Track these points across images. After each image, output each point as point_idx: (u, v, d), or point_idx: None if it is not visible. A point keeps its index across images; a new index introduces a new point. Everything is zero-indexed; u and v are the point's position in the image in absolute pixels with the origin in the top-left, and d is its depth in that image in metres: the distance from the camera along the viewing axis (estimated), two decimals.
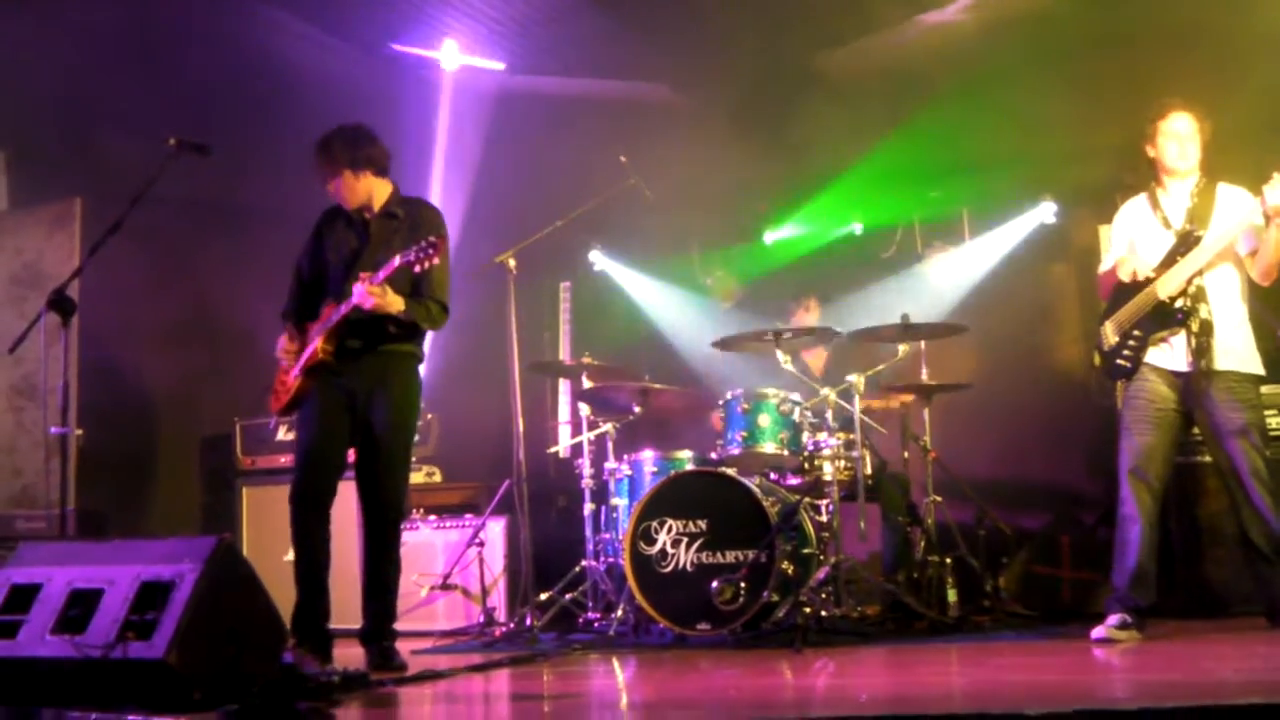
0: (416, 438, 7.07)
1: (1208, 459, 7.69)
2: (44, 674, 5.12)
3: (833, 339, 8.30)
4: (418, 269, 6.16)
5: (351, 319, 6.49)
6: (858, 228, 10.65)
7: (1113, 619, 6.38)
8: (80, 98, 9.11)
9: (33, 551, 5.72)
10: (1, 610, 5.36)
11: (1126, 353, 6.61)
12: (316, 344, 6.57)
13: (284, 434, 9.18)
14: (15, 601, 5.36)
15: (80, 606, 5.16)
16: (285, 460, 9.25)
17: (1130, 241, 6.74)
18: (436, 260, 6.13)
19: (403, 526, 6.85)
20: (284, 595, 6.03)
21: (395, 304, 6.39)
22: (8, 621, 5.31)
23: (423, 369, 6.89)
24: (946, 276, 10.33)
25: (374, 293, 6.26)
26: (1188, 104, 6.65)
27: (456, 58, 9.71)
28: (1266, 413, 7.44)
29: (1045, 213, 10.06)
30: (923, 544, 7.90)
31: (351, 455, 6.76)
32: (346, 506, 6.95)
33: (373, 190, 6.75)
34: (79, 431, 8.35)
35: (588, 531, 8.44)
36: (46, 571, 5.40)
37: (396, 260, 6.18)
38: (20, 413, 9.84)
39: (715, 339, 8.21)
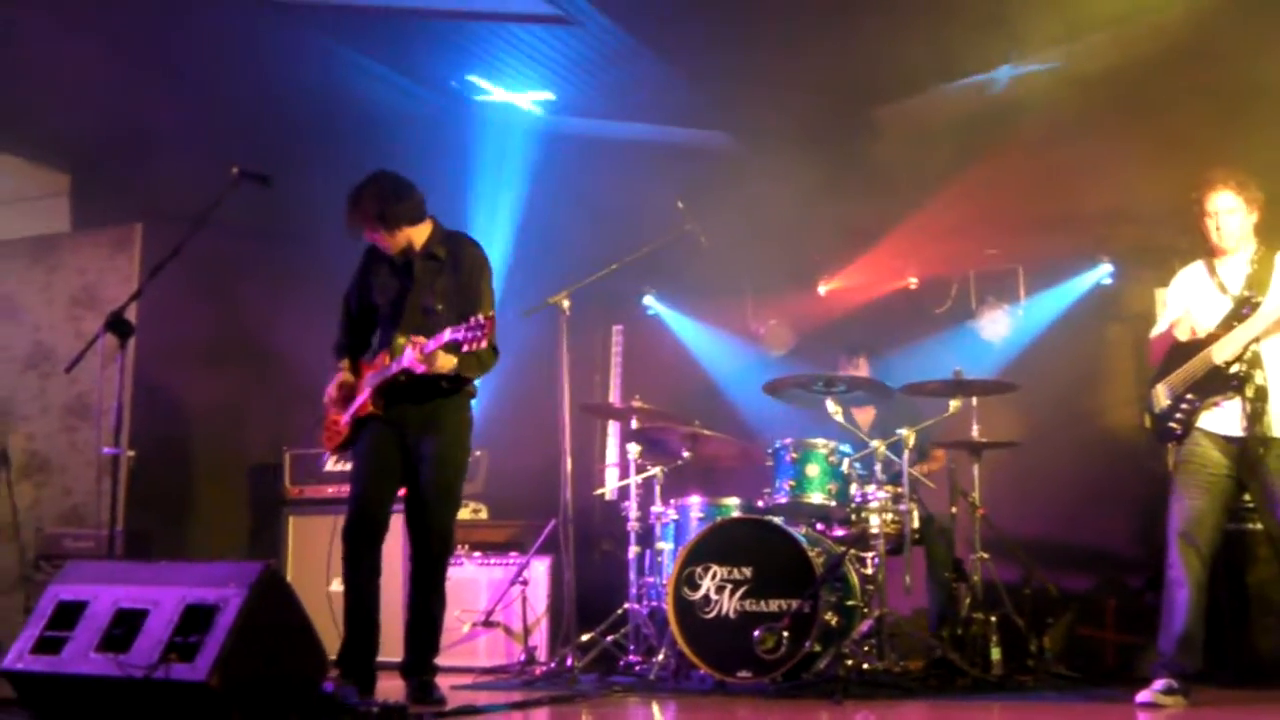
0: (465, 475, 7.09)
1: (1258, 526, 7.64)
2: (87, 691, 5.16)
3: (885, 394, 8.27)
4: (466, 348, 6.15)
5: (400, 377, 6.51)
6: (912, 281, 10.62)
7: (1158, 684, 6.31)
8: (142, 125, 9.18)
9: (80, 570, 5.77)
10: (48, 626, 5.41)
11: (1179, 416, 6.56)
12: (366, 397, 6.61)
13: (332, 465, 9.21)
14: (61, 618, 5.41)
15: (125, 626, 5.20)
16: (332, 491, 9.30)
17: (1186, 307, 6.69)
18: (484, 344, 6.12)
19: (449, 562, 6.84)
20: (325, 624, 6.05)
21: (445, 366, 6.40)
22: (53, 638, 5.36)
23: (474, 404, 6.90)
24: (999, 334, 10.29)
25: (422, 360, 6.27)
26: (1232, 177, 6.59)
27: (513, 96, 9.76)
28: None
29: (1101, 273, 10.02)
30: (968, 601, 7.84)
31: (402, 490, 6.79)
32: (393, 539, 6.96)
33: (411, 236, 6.76)
34: (131, 453, 8.41)
35: (631, 574, 8.40)
36: (93, 590, 5.44)
37: (446, 335, 6.16)
38: (73, 432, 9.92)
39: (766, 383, 8.20)
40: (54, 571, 7.76)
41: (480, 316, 6.08)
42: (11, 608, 9.16)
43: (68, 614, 5.41)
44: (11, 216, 11.07)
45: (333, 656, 6.21)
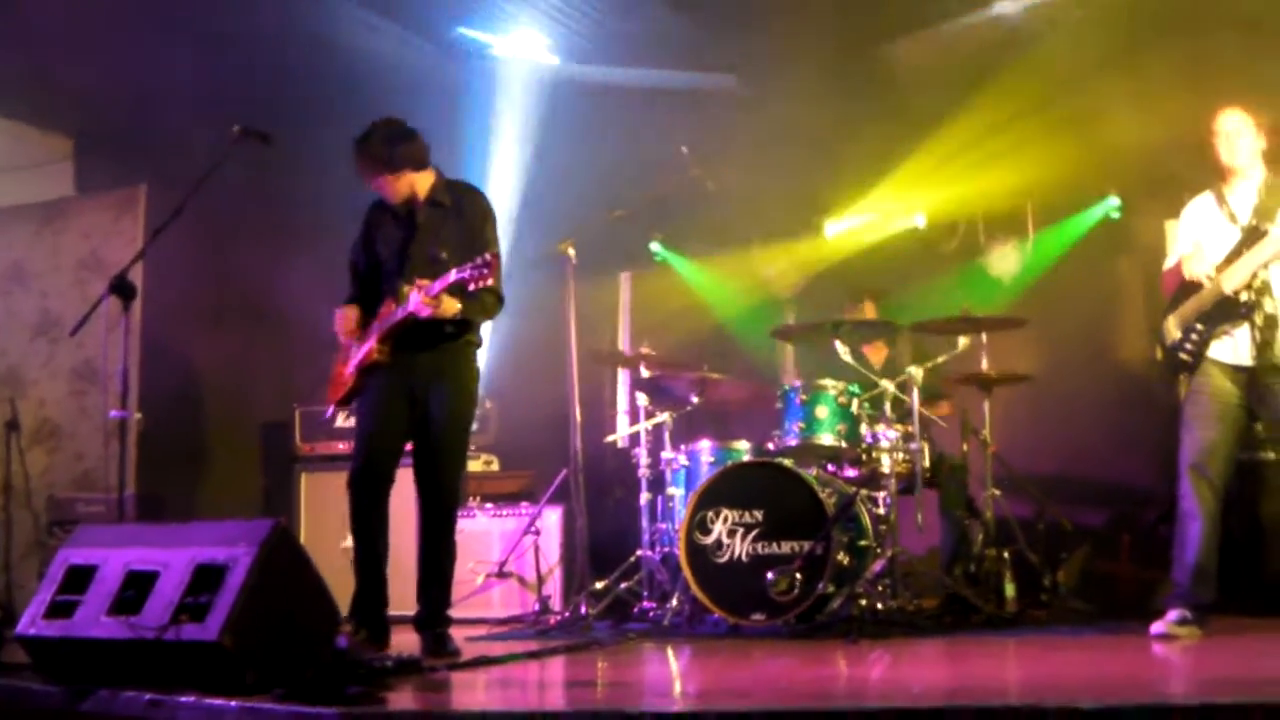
0: (475, 426, 7.08)
1: (1271, 455, 7.62)
2: (99, 654, 5.16)
3: (893, 333, 8.25)
4: (472, 287, 6.14)
5: (408, 322, 6.50)
6: (920, 220, 10.56)
7: (1173, 615, 6.30)
8: (145, 86, 9.17)
9: (90, 534, 5.77)
10: (59, 591, 5.42)
11: (1189, 346, 6.52)
12: (372, 344, 6.60)
13: (342, 420, 9.20)
14: (72, 582, 5.42)
15: (136, 588, 5.21)
16: (343, 447, 9.30)
17: (1197, 239, 6.65)
18: (491, 281, 6.10)
19: (459, 514, 6.84)
20: (340, 580, 6.05)
21: (451, 309, 6.38)
22: (65, 602, 5.36)
23: (481, 356, 6.89)
24: (1008, 270, 10.25)
25: (428, 303, 6.26)
26: (1240, 100, 6.56)
27: (515, 44, 9.71)
28: None
29: (1109, 207, 9.96)
30: (981, 538, 7.86)
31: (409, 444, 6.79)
32: (403, 494, 6.95)
33: (414, 183, 6.74)
34: (138, 416, 8.42)
35: (644, 521, 8.41)
36: (103, 553, 5.45)
37: (453, 275, 6.14)
38: (82, 396, 9.93)
39: (775, 328, 8.19)
40: (66, 537, 7.78)
41: (486, 255, 6.08)
42: (27, 573, 9.20)
43: (79, 578, 5.41)
44: (16, 182, 11.05)
45: (343, 611, 6.22)
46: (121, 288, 6.46)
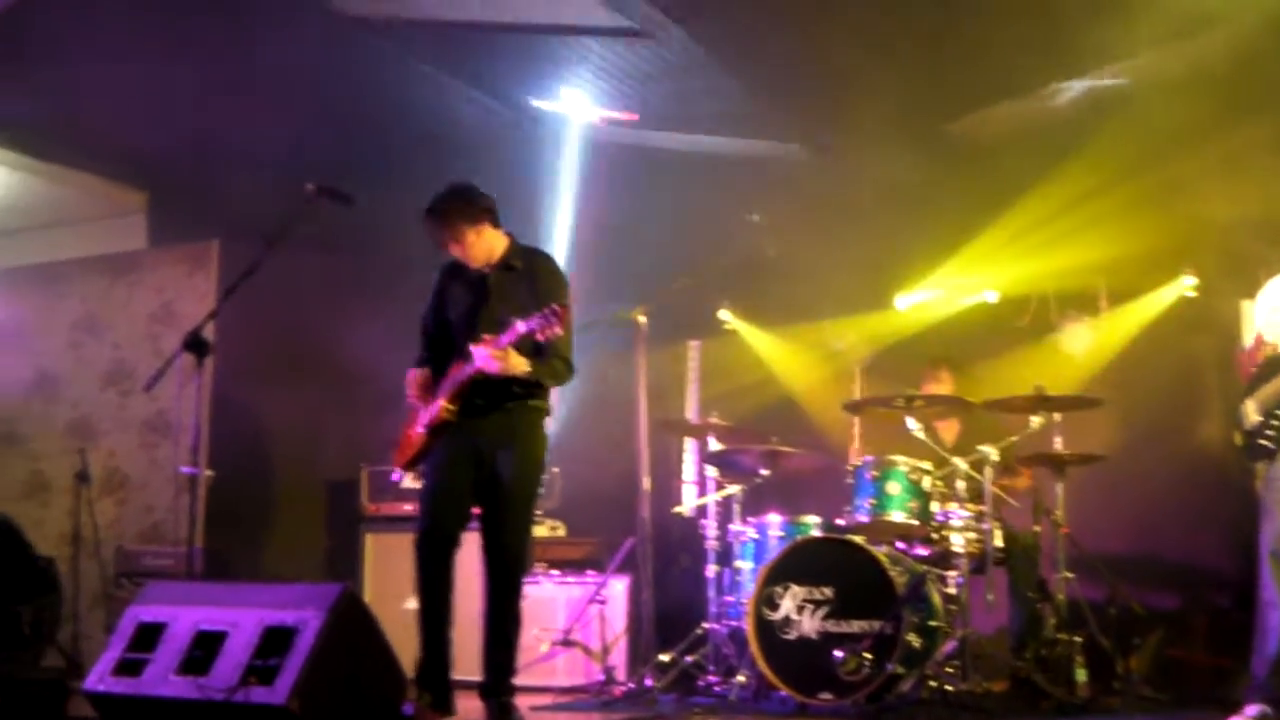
0: (541, 491, 7.05)
1: None
2: (167, 713, 5.17)
3: (966, 410, 8.17)
4: (540, 337, 6.14)
5: (477, 380, 6.49)
6: (991, 295, 10.49)
7: (1251, 710, 6.17)
8: (218, 141, 9.23)
9: (159, 590, 5.78)
10: (128, 648, 5.42)
11: (1269, 433, 6.42)
12: (441, 403, 6.59)
13: (409, 482, 9.17)
14: (142, 640, 5.43)
15: (204, 648, 5.21)
16: (410, 508, 9.28)
17: (1274, 320, 6.55)
18: (559, 330, 6.10)
19: (525, 580, 6.80)
20: (403, 641, 6.03)
21: (519, 366, 6.38)
22: (134, 659, 5.37)
23: (549, 423, 6.87)
24: (1081, 347, 10.15)
25: (497, 357, 6.26)
26: None
27: (587, 110, 9.73)
28: None
29: (1185, 285, 9.85)
30: (1052, 621, 7.73)
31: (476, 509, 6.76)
32: (469, 557, 6.93)
33: (489, 244, 6.75)
34: (209, 473, 8.44)
35: (711, 593, 8.35)
36: (173, 611, 5.45)
37: (520, 327, 6.15)
38: (153, 449, 9.99)
39: (846, 402, 8.13)
40: (134, 589, 7.81)
41: (555, 305, 6.07)
42: (94, 624, 9.23)
43: (148, 635, 5.42)
44: (91, 234, 11.19)
45: (410, 672, 6.19)
46: (196, 344, 6.49)
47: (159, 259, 10.52)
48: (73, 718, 5.86)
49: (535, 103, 9.63)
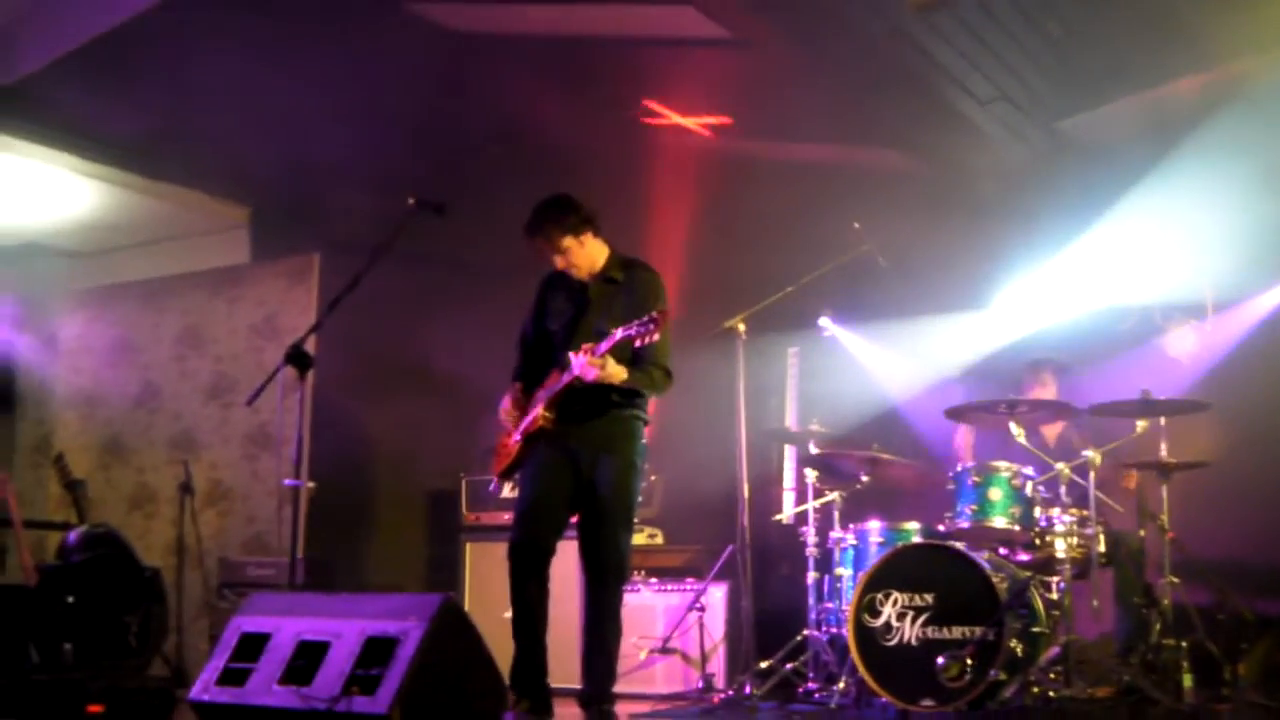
0: (640, 499, 7.05)
1: None
2: None
3: (1071, 414, 8.08)
4: (639, 343, 6.15)
5: (574, 387, 6.49)
6: (1096, 299, 10.35)
7: None
8: (319, 156, 9.32)
9: (262, 601, 5.83)
10: (232, 658, 5.47)
11: None
12: (538, 411, 6.60)
13: (508, 491, 9.21)
14: (245, 650, 5.47)
15: (307, 658, 5.24)
16: (508, 517, 9.22)
17: None
18: (657, 336, 6.11)
19: (624, 588, 6.80)
20: (504, 650, 6.05)
21: (617, 375, 6.38)
22: (237, 669, 5.42)
23: (647, 431, 6.87)
24: (1187, 351, 10.00)
25: (595, 364, 6.26)
26: None
27: (688, 119, 9.72)
28: None
29: None
30: (1158, 627, 7.61)
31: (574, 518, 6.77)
32: (568, 566, 6.95)
33: (594, 254, 6.77)
34: (311, 484, 8.52)
35: (810, 600, 8.32)
36: (275, 622, 5.49)
37: (618, 334, 6.16)
38: (254, 461, 10.10)
39: (949, 408, 8.06)
40: (237, 599, 7.89)
41: (654, 312, 6.06)
42: (198, 634, 9.34)
43: (251, 646, 5.46)
44: (193, 249, 11.33)
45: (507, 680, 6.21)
46: (298, 358, 6.54)
47: (260, 273, 10.65)
48: None
49: (638, 113, 9.63)
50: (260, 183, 10.36)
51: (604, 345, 6.26)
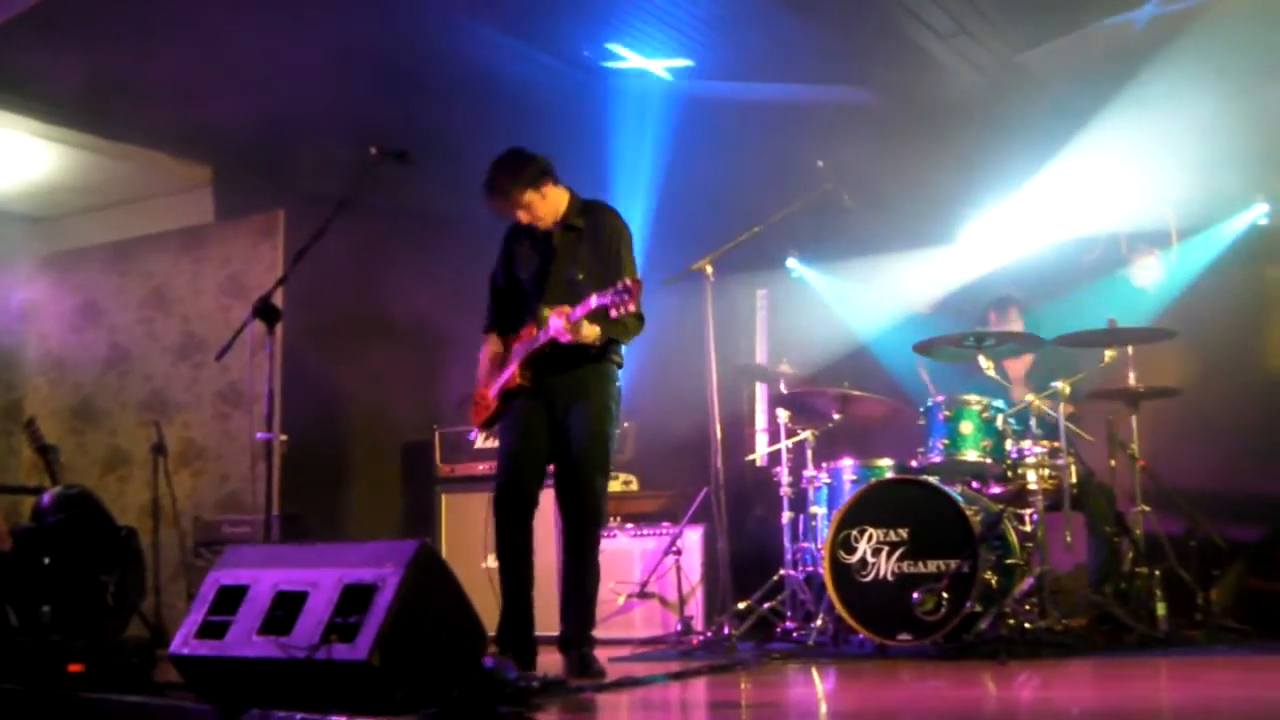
0: (614, 446, 7.07)
1: None
2: (250, 673, 5.20)
3: (1037, 346, 8.11)
4: (614, 313, 6.14)
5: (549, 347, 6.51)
6: (1060, 232, 10.38)
7: None
8: (282, 112, 9.27)
9: (239, 554, 5.82)
10: (210, 611, 5.47)
11: None
12: (514, 370, 6.61)
13: (482, 442, 9.22)
14: (223, 603, 5.47)
15: (285, 608, 5.24)
16: (483, 468, 9.35)
17: None
18: (632, 308, 6.10)
19: (601, 534, 6.82)
20: (480, 600, 6.05)
21: (591, 335, 6.42)
22: (216, 622, 5.41)
23: (621, 374, 6.88)
24: (1152, 280, 10.04)
25: (569, 330, 6.28)
26: None
27: (647, 61, 9.69)
28: None
29: (1258, 213, 9.71)
30: (1130, 555, 7.70)
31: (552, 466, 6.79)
32: (545, 514, 6.97)
33: (547, 206, 6.76)
34: (284, 437, 8.50)
35: (786, 540, 8.38)
36: (253, 574, 5.49)
37: (593, 302, 6.16)
38: (226, 420, 10.08)
39: (916, 342, 8.09)
40: (213, 558, 7.85)
41: (627, 280, 6.07)
42: (175, 593, 9.34)
43: (229, 598, 5.46)
44: (157, 209, 11.26)
45: (490, 632, 6.22)
46: (266, 311, 6.53)
47: (225, 232, 10.59)
48: (160, 683, 5.93)
49: (596, 58, 9.59)
50: (222, 140, 10.28)
51: (579, 310, 6.26)
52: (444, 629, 5.18)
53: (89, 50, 8.62)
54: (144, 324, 10.69)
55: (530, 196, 6.67)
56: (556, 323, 6.32)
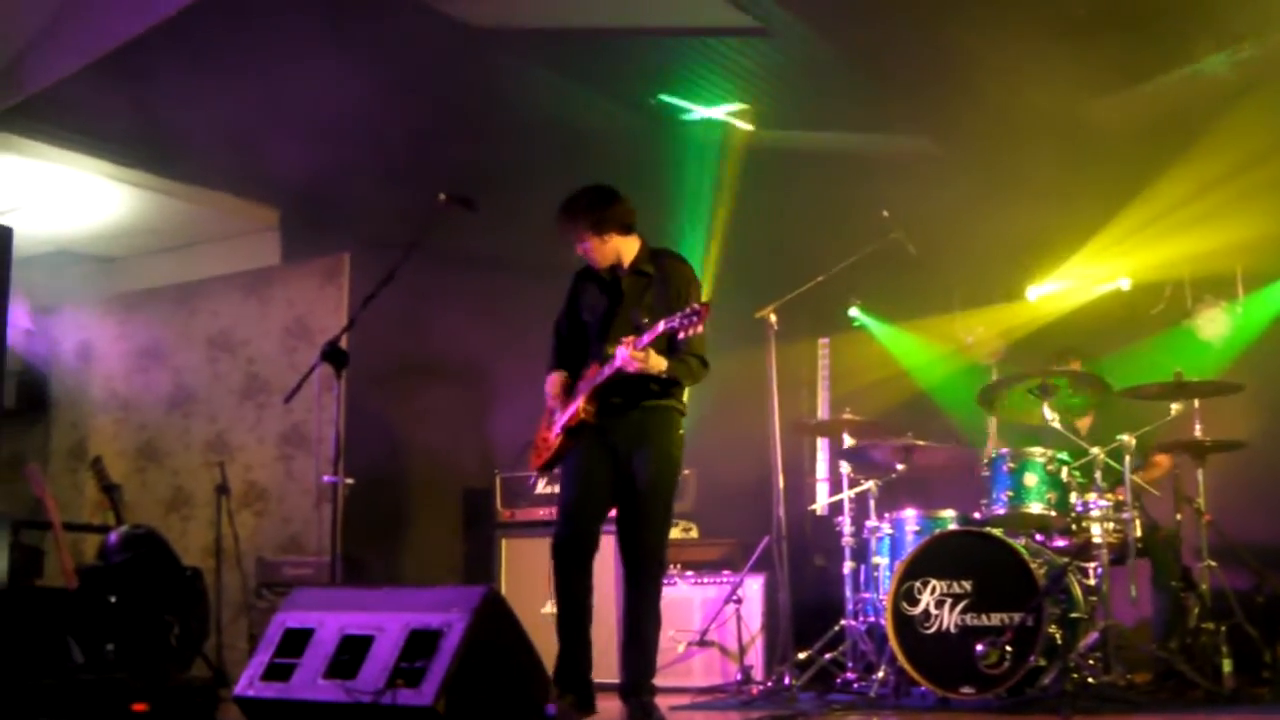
0: (677, 493, 7.05)
1: None
2: (315, 717, 5.23)
3: (1103, 392, 8.06)
4: (681, 335, 6.14)
5: (615, 379, 6.50)
6: (1125, 283, 10.34)
7: None
8: (347, 156, 9.33)
9: (305, 596, 5.86)
10: (276, 654, 5.50)
11: None
12: (579, 404, 6.60)
13: (542, 487, 9.24)
14: (289, 645, 5.50)
15: (351, 652, 5.27)
16: (543, 513, 9.34)
17: None
18: (700, 329, 6.11)
19: (662, 581, 6.80)
20: (541, 646, 6.06)
21: (658, 365, 6.39)
22: (282, 664, 5.45)
23: (684, 423, 6.87)
24: (1218, 333, 9.98)
25: (637, 358, 6.27)
26: None
27: (713, 110, 9.72)
28: None
29: None
30: (1196, 610, 7.60)
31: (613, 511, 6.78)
32: (604, 560, 6.96)
33: (620, 249, 6.76)
34: (349, 480, 8.56)
35: (847, 590, 8.33)
36: (319, 616, 5.53)
37: (661, 326, 6.16)
38: (290, 461, 10.14)
39: (981, 388, 8.07)
40: (275, 599, 7.93)
41: (695, 304, 6.07)
42: (236, 634, 9.37)
43: (295, 641, 5.49)
44: (224, 251, 11.37)
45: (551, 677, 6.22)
46: (334, 355, 6.58)
47: (290, 274, 10.68)
48: None
49: (663, 105, 9.62)
50: (288, 183, 10.36)
51: (647, 337, 6.27)
52: (509, 675, 5.20)
53: (158, 94, 8.71)
54: (209, 364, 10.80)
55: (588, 236, 6.69)
56: (624, 352, 6.31)
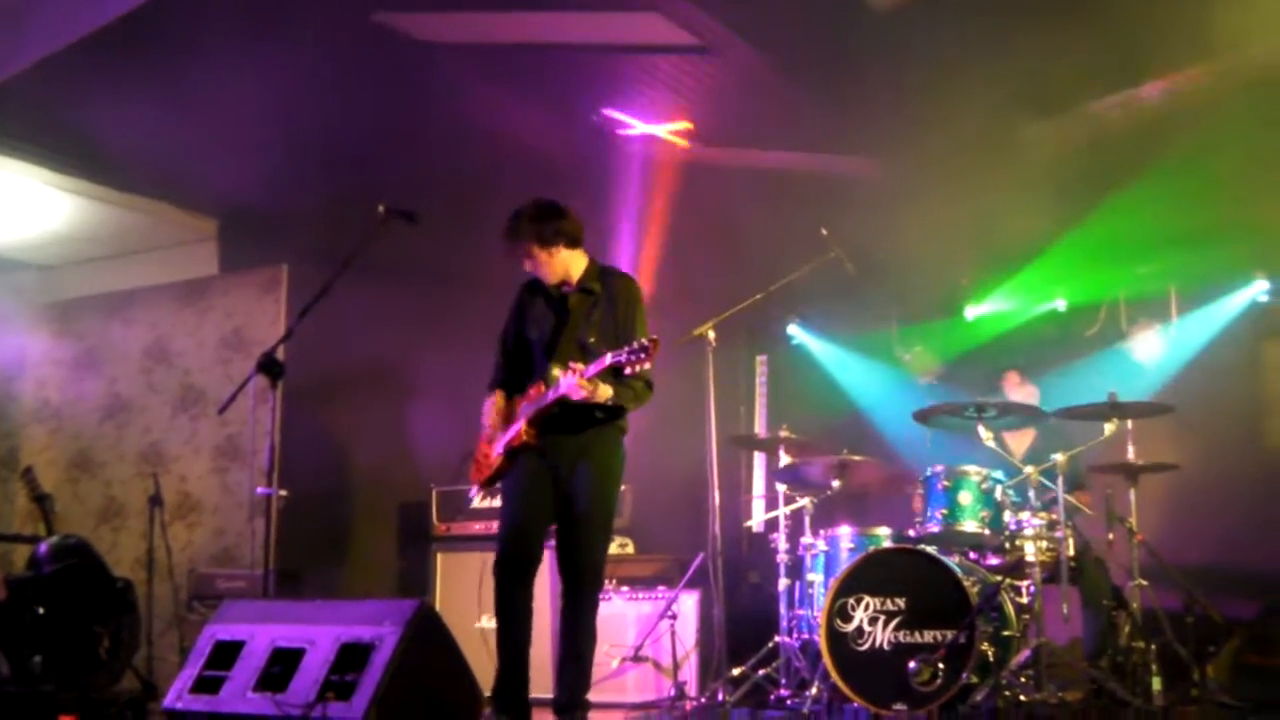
0: (617, 509, 7.04)
1: None
2: None
3: (1038, 419, 8.12)
4: (628, 371, 6.14)
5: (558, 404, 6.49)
6: (1061, 304, 10.43)
7: None
8: (287, 167, 9.30)
9: (236, 609, 5.82)
10: (206, 666, 5.46)
11: None
12: (521, 426, 6.58)
13: (479, 501, 9.21)
14: (219, 658, 5.47)
15: (282, 665, 5.24)
16: (479, 527, 9.32)
17: None
18: (648, 365, 6.10)
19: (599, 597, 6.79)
20: (475, 660, 6.04)
21: (603, 394, 6.36)
22: (211, 677, 5.42)
23: (625, 441, 6.86)
24: (1152, 355, 10.07)
25: (584, 386, 6.24)
26: None
27: (653, 127, 9.74)
28: None
29: (1257, 290, 9.76)
30: (1127, 629, 7.65)
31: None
32: (541, 574, 6.94)
33: (568, 264, 6.74)
34: (283, 493, 8.51)
35: (782, 607, 8.34)
36: (249, 629, 5.49)
37: (608, 359, 6.14)
38: (224, 474, 10.08)
39: (917, 410, 8.10)
40: (207, 611, 7.85)
41: (643, 340, 6.06)
42: (168, 646, 9.29)
43: (225, 653, 5.46)
44: (162, 262, 11.29)
45: (484, 692, 6.20)
46: (270, 366, 6.54)
47: (228, 285, 10.63)
48: None
49: (601, 121, 9.63)
50: (228, 194, 10.32)
51: (592, 369, 6.23)
52: (441, 689, 5.19)
53: (96, 102, 8.65)
54: (144, 374, 10.73)
55: (536, 251, 6.65)
56: (569, 380, 6.28)
